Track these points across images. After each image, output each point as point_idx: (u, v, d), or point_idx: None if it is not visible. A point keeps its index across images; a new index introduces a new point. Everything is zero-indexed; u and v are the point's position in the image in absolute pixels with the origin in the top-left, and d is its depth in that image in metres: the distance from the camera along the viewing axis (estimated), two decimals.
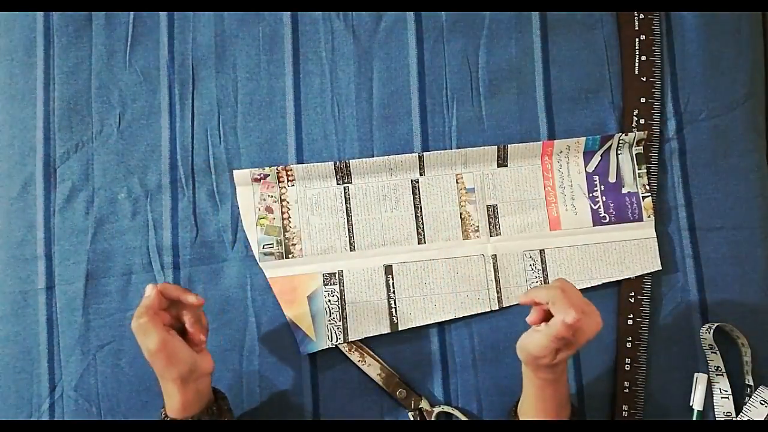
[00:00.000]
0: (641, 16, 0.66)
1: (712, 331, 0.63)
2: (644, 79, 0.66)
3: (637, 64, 0.66)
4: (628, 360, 0.64)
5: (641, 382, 0.63)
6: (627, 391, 0.63)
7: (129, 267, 0.65)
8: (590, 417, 0.64)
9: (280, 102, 0.67)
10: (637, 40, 0.66)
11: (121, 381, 0.64)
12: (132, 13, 0.67)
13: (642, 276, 0.65)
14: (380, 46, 0.67)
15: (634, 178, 0.66)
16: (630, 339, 0.64)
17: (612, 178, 0.66)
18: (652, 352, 0.64)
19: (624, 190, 0.66)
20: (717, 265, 0.65)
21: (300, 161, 0.66)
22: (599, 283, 0.65)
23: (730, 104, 0.67)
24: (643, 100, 0.66)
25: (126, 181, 0.66)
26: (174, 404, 0.53)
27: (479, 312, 0.65)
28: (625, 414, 0.63)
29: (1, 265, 0.66)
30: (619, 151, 0.66)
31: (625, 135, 0.65)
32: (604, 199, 0.66)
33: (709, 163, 0.66)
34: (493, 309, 0.65)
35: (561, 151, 0.66)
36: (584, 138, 0.65)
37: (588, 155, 0.66)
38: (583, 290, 0.64)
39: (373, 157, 0.66)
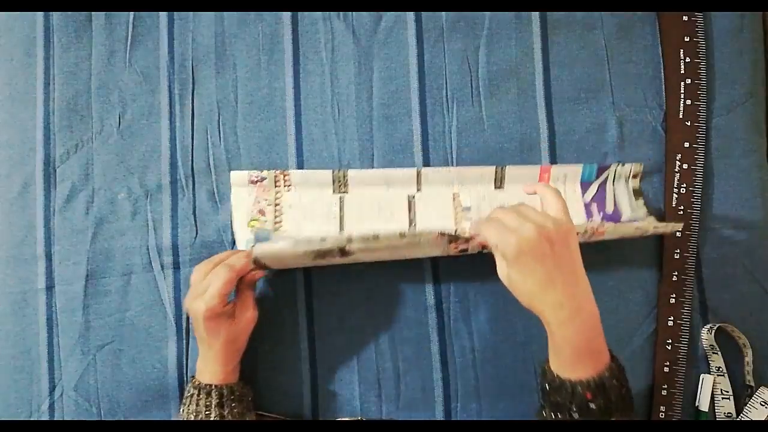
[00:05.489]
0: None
1: (713, 331, 0.63)
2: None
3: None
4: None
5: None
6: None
7: (129, 267, 0.65)
8: None
9: (280, 102, 0.67)
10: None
11: (121, 381, 0.64)
12: (132, 13, 0.67)
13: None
14: (380, 46, 0.67)
15: (632, 210, 0.65)
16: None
17: (609, 209, 0.65)
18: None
19: (623, 219, 0.65)
20: (717, 265, 0.65)
21: (300, 161, 0.66)
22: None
23: (730, 104, 0.67)
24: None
25: (126, 181, 0.66)
26: (219, 368, 0.57)
27: None
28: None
29: (1, 265, 0.66)
30: (615, 184, 0.65)
31: (621, 166, 0.64)
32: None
33: (710, 163, 0.66)
34: None
35: (558, 179, 0.65)
36: (581, 165, 0.65)
37: (584, 185, 0.65)
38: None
39: (373, 157, 0.66)
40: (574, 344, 0.49)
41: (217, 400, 0.56)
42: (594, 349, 0.50)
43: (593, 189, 0.65)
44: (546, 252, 0.48)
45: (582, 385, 0.48)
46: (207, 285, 0.55)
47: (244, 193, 0.65)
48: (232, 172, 0.65)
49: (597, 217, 0.65)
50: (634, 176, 0.65)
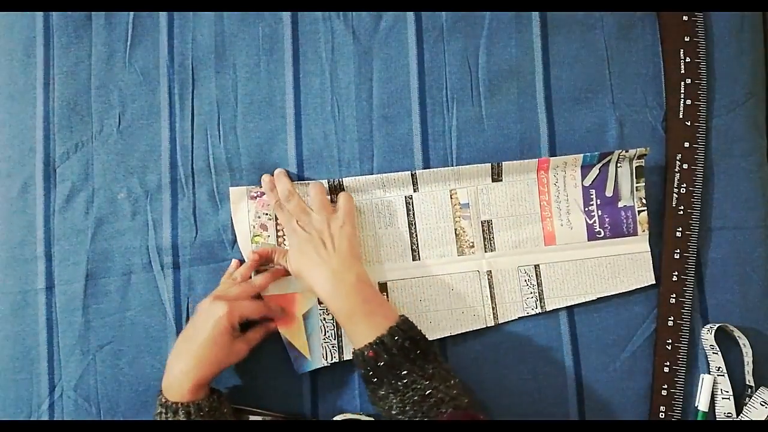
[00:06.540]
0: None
1: (713, 331, 0.63)
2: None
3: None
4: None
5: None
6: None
7: (129, 267, 0.65)
8: (590, 417, 0.64)
9: (280, 102, 0.67)
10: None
11: (121, 381, 0.64)
12: (132, 13, 0.67)
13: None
14: (380, 46, 0.67)
15: (632, 192, 0.65)
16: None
17: (609, 192, 0.65)
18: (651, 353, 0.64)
19: (620, 204, 0.65)
20: (717, 265, 0.65)
21: (299, 161, 0.66)
22: (594, 298, 0.64)
23: (730, 104, 0.67)
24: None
25: (126, 181, 0.66)
26: (186, 384, 0.55)
27: (475, 329, 0.64)
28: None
29: (1, 265, 0.66)
30: (619, 165, 0.65)
31: (626, 151, 0.64)
32: (600, 213, 0.65)
33: (710, 163, 0.66)
34: (488, 325, 0.64)
35: (557, 166, 0.65)
36: (581, 155, 0.64)
37: (585, 169, 0.65)
38: (581, 305, 0.65)
39: (372, 157, 0.66)
40: (347, 311, 0.56)
41: (185, 419, 0.55)
42: (371, 311, 0.56)
43: (594, 172, 0.65)
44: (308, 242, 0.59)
45: (366, 348, 0.54)
46: (240, 296, 0.59)
47: (243, 209, 0.65)
48: (230, 188, 0.65)
49: (594, 203, 0.65)
50: (639, 157, 0.64)
